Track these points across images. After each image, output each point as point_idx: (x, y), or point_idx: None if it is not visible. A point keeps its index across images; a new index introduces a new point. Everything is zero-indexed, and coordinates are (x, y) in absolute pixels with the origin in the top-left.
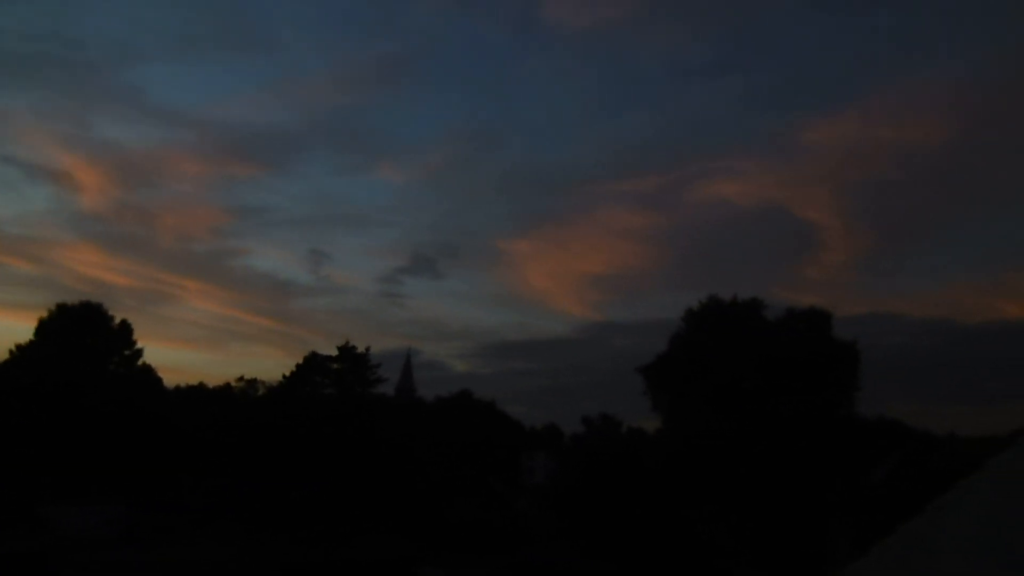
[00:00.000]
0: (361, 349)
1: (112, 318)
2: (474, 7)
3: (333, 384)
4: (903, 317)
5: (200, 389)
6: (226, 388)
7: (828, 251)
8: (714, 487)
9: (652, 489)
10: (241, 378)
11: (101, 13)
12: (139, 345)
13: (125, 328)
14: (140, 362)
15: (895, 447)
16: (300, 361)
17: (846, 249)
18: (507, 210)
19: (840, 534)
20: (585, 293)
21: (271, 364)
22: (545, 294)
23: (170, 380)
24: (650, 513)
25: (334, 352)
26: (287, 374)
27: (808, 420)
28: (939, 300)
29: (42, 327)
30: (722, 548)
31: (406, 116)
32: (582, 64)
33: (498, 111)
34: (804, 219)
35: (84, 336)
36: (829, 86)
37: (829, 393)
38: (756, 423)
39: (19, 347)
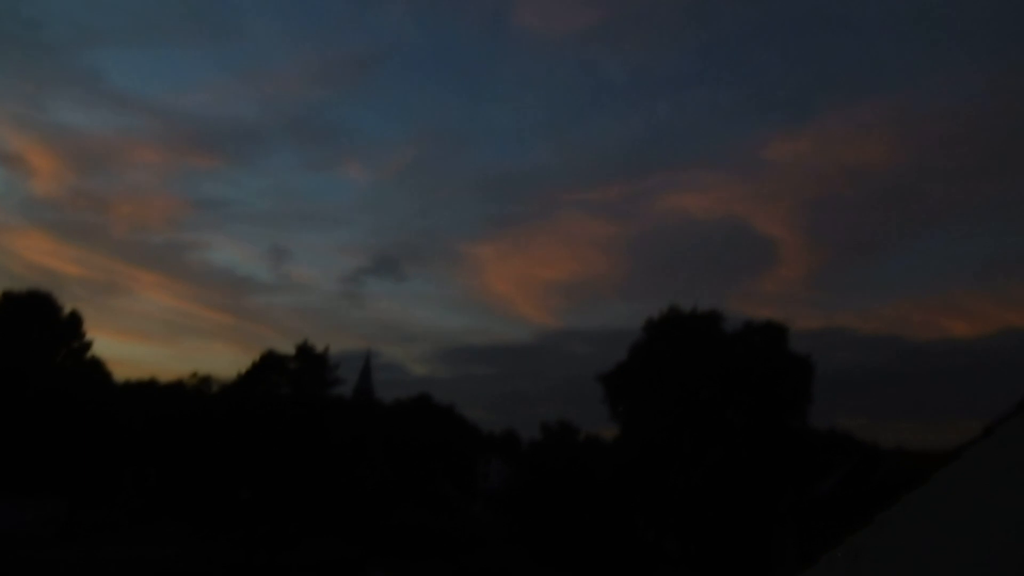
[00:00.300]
0: (319, 349)
1: (61, 308)
2: (445, 10)
3: (289, 384)
4: (854, 332)
5: (151, 384)
6: (178, 384)
7: (785, 266)
8: (667, 496)
9: (605, 496)
10: (194, 374)
11: None
12: (88, 337)
13: (74, 319)
14: (89, 355)
15: (844, 459)
16: (257, 359)
17: (802, 264)
18: (472, 213)
19: (788, 544)
20: (547, 299)
21: (227, 361)
22: (507, 299)
23: (120, 374)
24: (602, 520)
25: (292, 351)
26: (242, 372)
27: (762, 431)
28: (888, 317)
29: None
30: (670, 555)
31: (374, 115)
32: (551, 71)
33: (466, 114)
34: (763, 234)
35: (30, 326)
36: (789, 105)
37: (783, 405)
38: (711, 433)
39: None
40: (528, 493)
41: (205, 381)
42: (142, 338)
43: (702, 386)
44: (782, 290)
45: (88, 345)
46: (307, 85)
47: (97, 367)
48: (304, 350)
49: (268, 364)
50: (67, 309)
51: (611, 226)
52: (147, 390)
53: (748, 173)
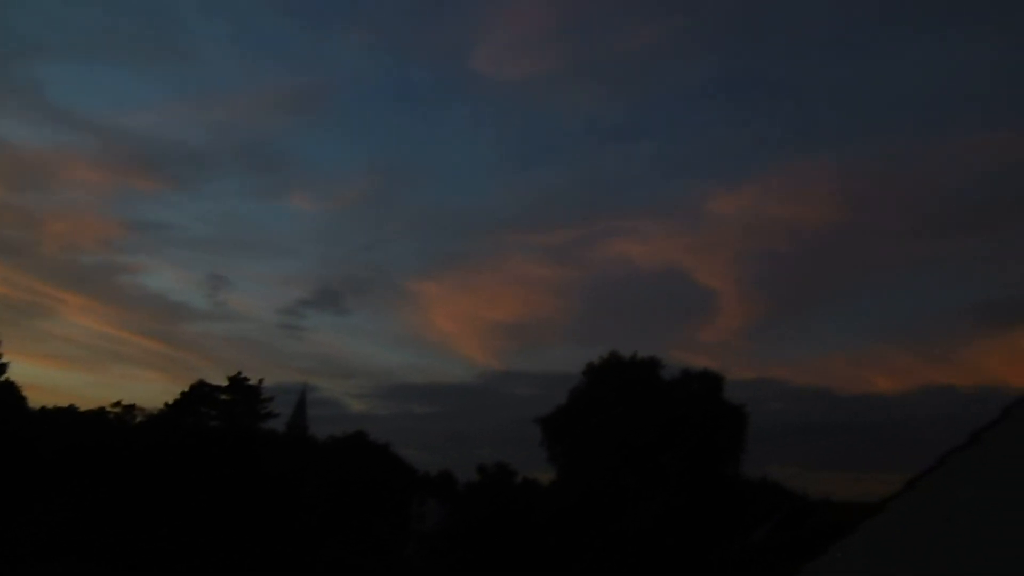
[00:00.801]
0: (254, 381)
1: None
2: (402, 48)
3: (220, 416)
4: (786, 384)
5: (70, 411)
6: (100, 412)
7: (723, 316)
8: (604, 541)
9: (542, 541)
10: (118, 403)
11: (4, 4)
12: (4, 359)
13: None
14: (3, 378)
15: (775, 508)
16: (186, 389)
17: (739, 316)
18: (418, 250)
19: None
20: (490, 340)
21: (155, 390)
22: (450, 338)
23: (37, 400)
24: (538, 565)
25: (224, 382)
26: (170, 402)
27: (697, 479)
28: (819, 369)
29: None
30: None
31: (324, 147)
32: (503, 115)
33: (417, 151)
34: (702, 284)
35: None
36: (732, 161)
37: (718, 453)
38: (648, 479)
39: None
40: (463, 535)
41: (128, 410)
42: (65, 363)
43: (640, 432)
44: (719, 340)
45: (3, 368)
46: (259, 113)
47: (11, 391)
48: (237, 381)
49: (198, 395)
50: None
51: (556, 270)
52: (65, 417)
53: (691, 225)
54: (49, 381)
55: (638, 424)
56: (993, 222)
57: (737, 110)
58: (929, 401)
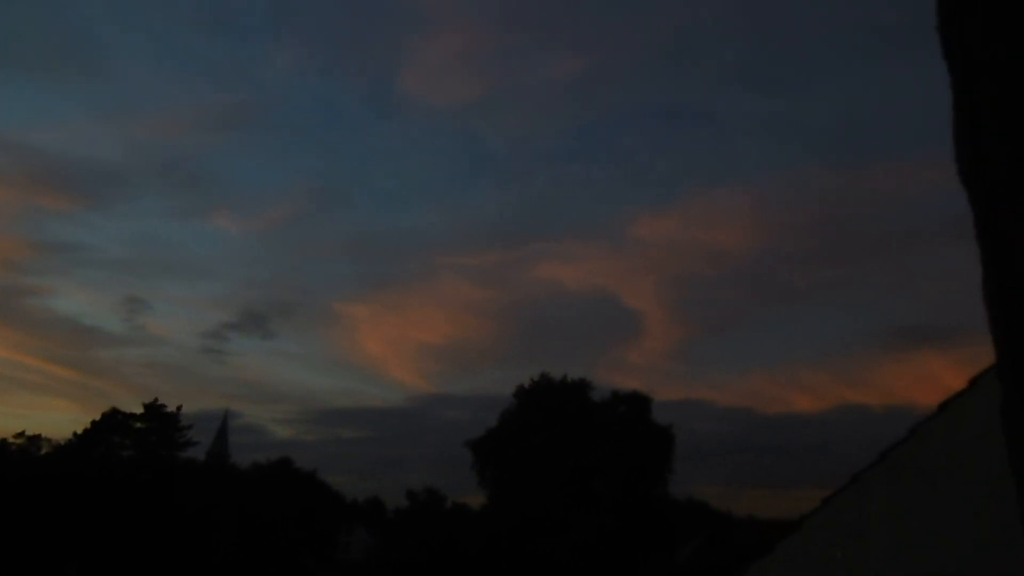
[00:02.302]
0: (172, 408)
1: None
2: (331, 68)
3: (134, 445)
4: (711, 404)
5: None
6: (1, 444)
7: (650, 338)
8: (535, 566)
9: (473, 568)
10: (21, 433)
11: None
12: None
13: None
14: None
15: (701, 527)
16: (98, 418)
17: (665, 338)
18: (347, 272)
19: None
20: (420, 363)
21: (64, 420)
22: (379, 361)
23: None
24: None
25: (139, 409)
26: (80, 432)
27: (627, 500)
28: (742, 390)
29: None
30: None
31: (249, 167)
32: (433, 137)
33: (346, 172)
34: (629, 307)
35: None
36: (657, 187)
37: (646, 474)
38: (578, 501)
39: None
40: (392, 564)
41: (33, 441)
42: None
43: (570, 454)
44: (646, 361)
45: None
46: (181, 131)
47: None
48: (153, 408)
49: (110, 423)
50: None
51: (486, 291)
52: None
53: (618, 248)
54: None
55: (568, 447)
56: (903, 249)
57: (662, 137)
58: (845, 419)
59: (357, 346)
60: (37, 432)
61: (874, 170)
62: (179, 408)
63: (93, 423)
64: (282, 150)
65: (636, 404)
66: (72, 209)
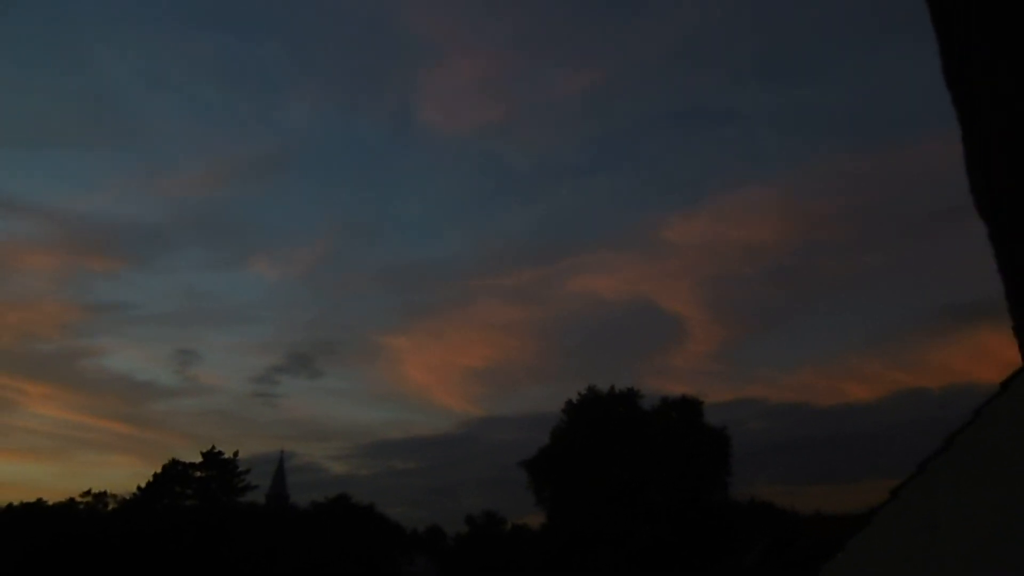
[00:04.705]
0: (228, 454)
1: None
2: (350, 107)
3: (196, 493)
4: (764, 402)
5: (37, 506)
6: (69, 504)
7: (693, 341)
8: None
9: None
10: (88, 492)
11: None
12: None
13: None
14: None
15: (766, 529)
16: (159, 470)
17: (708, 339)
18: (385, 305)
19: None
20: (465, 387)
21: (126, 474)
22: (425, 389)
23: (2, 497)
24: None
25: (198, 458)
26: (142, 485)
27: (685, 508)
28: (793, 385)
29: None
30: None
31: (281, 211)
32: (456, 163)
33: (374, 207)
34: (669, 312)
35: None
36: (684, 189)
37: (703, 479)
38: (636, 514)
39: None
40: None
41: (100, 498)
42: (30, 456)
43: (624, 467)
44: (692, 365)
45: None
46: (211, 185)
47: None
48: (211, 456)
49: (171, 474)
50: None
51: (524, 311)
52: (32, 513)
53: (651, 254)
54: (14, 476)
55: (622, 458)
56: (945, 226)
57: (684, 139)
58: (903, 405)
59: (402, 376)
60: (102, 489)
61: (904, 151)
62: (236, 454)
63: (155, 475)
64: (311, 192)
65: (687, 409)
66: (117, 269)
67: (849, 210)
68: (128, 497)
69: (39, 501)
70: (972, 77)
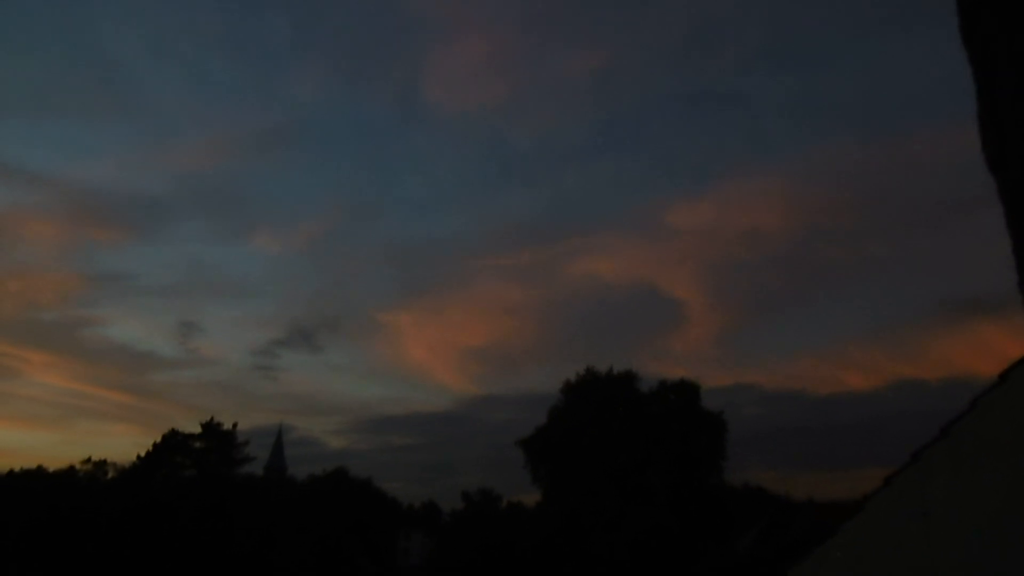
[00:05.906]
0: (228, 425)
1: None
2: (356, 83)
3: (195, 464)
4: (760, 388)
5: (37, 473)
6: (69, 471)
7: (693, 326)
8: (591, 563)
9: (530, 567)
10: (88, 460)
11: None
12: None
13: None
14: None
15: (760, 514)
16: (158, 440)
17: (708, 324)
18: (387, 282)
19: None
20: (465, 366)
21: (126, 443)
22: (425, 367)
23: (4, 464)
24: None
25: (197, 429)
26: (142, 454)
27: (681, 491)
28: (791, 372)
29: None
30: None
31: (285, 186)
32: (461, 142)
33: (378, 184)
34: (670, 295)
35: None
36: (688, 173)
37: (699, 463)
38: (632, 494)
39: None
40: (451, 568)
41: (99, 467)
42: (31, 423)
43: (621, 448)
44: (691, 349)
45: None
46: (215, 158)
47: None
48: (210, 427)
49: (171, 444)
50: None
51: (524, 291)
52: (33, 480)
53: (654, 237)
54: (15, 443)
55: (619, 439)
56: (949, 218)
57: (689, 123)
58: (900, 395)
59: (402, 353)
60: (102, 457)
61: (911, 139)
62: (235, 425)
63: (155, 445)
64: (315, 167)
65: (685, 392)
66: (120, 240)
67: (853, 199)
68: (128, 466)
69: (39, 468)
70: (986, 34)
